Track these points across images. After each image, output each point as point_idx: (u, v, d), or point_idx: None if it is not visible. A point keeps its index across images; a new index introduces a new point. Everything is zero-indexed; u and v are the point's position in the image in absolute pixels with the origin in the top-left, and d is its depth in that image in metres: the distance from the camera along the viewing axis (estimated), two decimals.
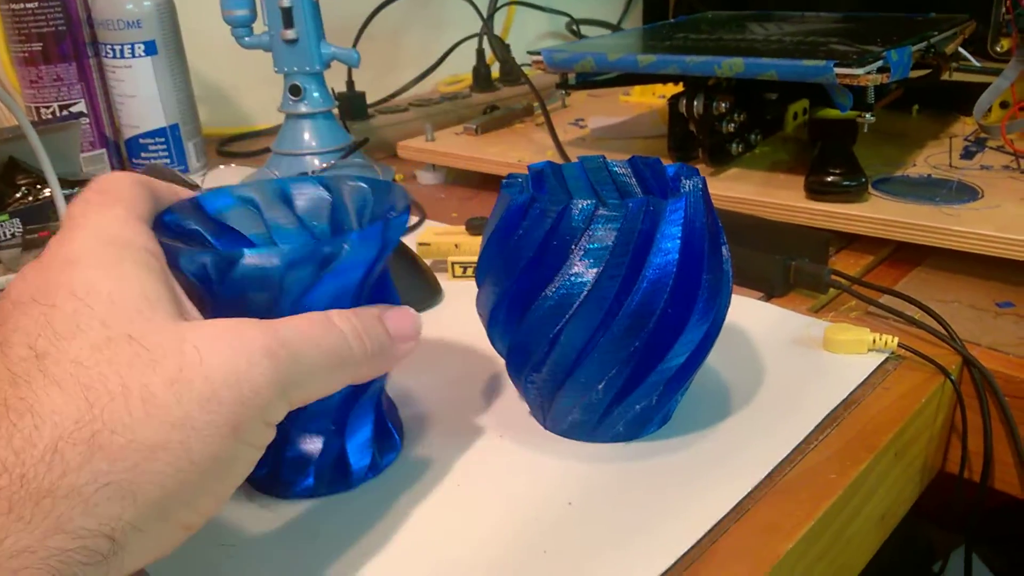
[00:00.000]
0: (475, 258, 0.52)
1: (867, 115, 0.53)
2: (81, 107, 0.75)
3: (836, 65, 0.49)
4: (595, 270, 0.31)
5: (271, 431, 0.25)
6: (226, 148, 0.91)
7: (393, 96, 0.97)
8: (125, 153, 0.80)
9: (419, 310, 0.48)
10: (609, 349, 0.31)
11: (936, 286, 0.50)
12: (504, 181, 0.35)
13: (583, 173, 0.38)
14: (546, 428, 0.36)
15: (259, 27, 0.72)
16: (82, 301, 0.23)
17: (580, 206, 0.30)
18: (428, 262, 0.53)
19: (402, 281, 0.48)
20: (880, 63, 0.50)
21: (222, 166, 0.77)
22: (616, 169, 0.38)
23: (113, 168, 0.78)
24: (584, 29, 1.25)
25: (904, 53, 0.53)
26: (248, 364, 0.24)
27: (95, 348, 0.22)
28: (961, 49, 0.70)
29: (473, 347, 0.44)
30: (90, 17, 0.75)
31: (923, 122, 0.74)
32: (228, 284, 0.29)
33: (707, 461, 0.34)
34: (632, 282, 0.30)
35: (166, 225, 0.31)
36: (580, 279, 0.31)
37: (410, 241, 0.54)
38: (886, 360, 0.41)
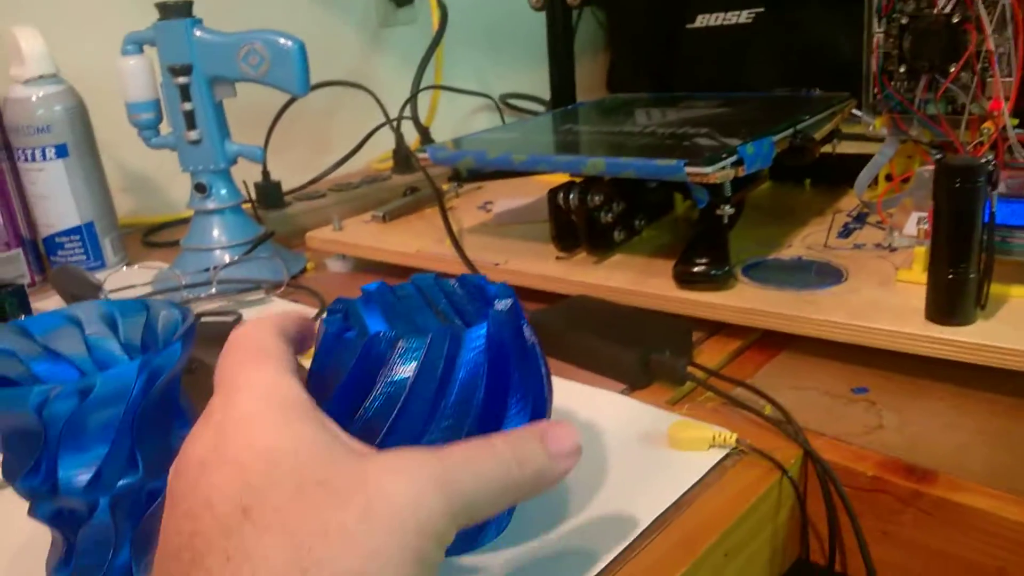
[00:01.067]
0: None
1: (726, 207, 0.55)
2: None
3: (687, 164, 0.51)
4: (403, 394, 0.32)
5: (443, 551, 0.27)
6: (150, 238, 0.93)
7: (313, 182, 0.99)
8: (43, 251, 0.81)
9: None
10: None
11: (796, 372, 0.51)
12: (328, 307, 0.36)
13: (417, 291, 0.40)
14: None
15: (166, 127, 0.74)
16: (269, 459, 0.26)
17: (381, 336, 0.32)
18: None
19: None
20: (734, 158, 0.53)
21: (125, 267, 0.78)
22: (448, 287, 0.40)
23: (29, 265, 0.79)
24: (518, 103, 1.29)
25: (763, 144, 0.56)
26: (423, 494, 0.26)
27: (292, 497, 0.25)
28: (858, 112, 0.72)
29: None
30: (2, 122, 0.76)
31: (814, 196, 0.76)
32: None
33: (526, 565, 0.35)
34: (437, 407, 0.32)
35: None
36: (392, 395, 0.32)
37: None
38: (726, 456, 0.42)
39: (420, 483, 0.26)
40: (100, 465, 0.33)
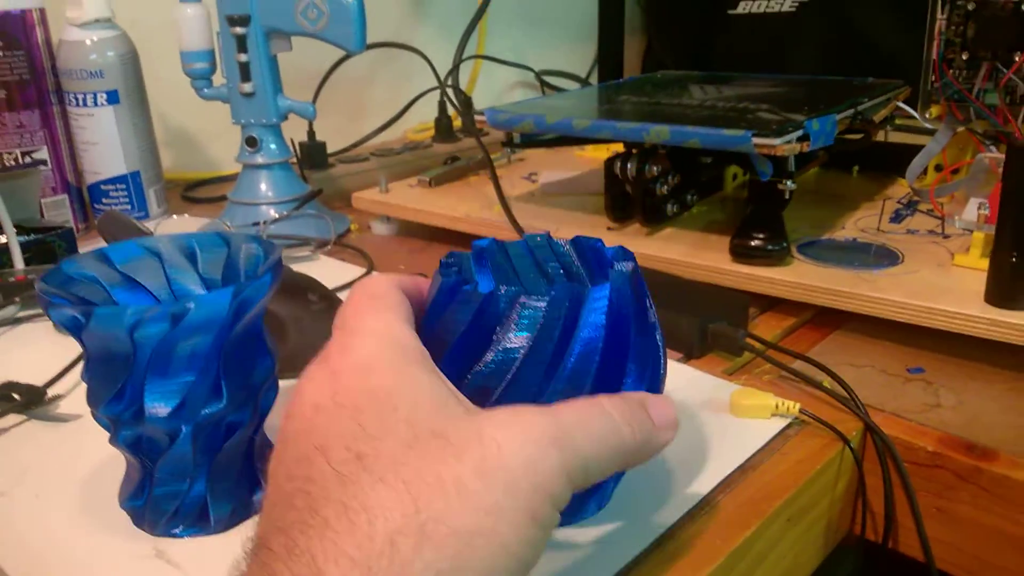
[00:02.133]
0: None
1: (788, 182, 0.55)
2: (43, 154, 0.77)
3: (754, 135, 0.51)
4: (520, 353, 0.31)
5: (558, 515, 0.26)
6: (190, 193, 0.93)
7: (356, 145, 0.99)
8: (87, 198, 0.82)
9: None
10: None
11: (852, 350, 0.51)
12: (442, 260, 0.35)
13: (528, 251, 0.39)
14: None
15: (220, 78, 0.74)
16: (385, 405, 0.26)
17: (503, 292, 0.31)
18: None
19: (319, 336, 0.50)
20: (800, 132, 0.53)
21: (175, 216, 0.79)
22: (560, 248, 0.39)
23: (74, 213, 0.80)
24: (553, 80, 1.28)
25: (827, 122, 0.55)
26: (539, 452, 0.25)
27: (407, 445, 0.25)
28: (905, 106, 0.72)
29: None
30: (55, 66, 0.76)
31: (861, 183, 0.76)
32: (89, 336, 0.32)
33: (601, 525, 0.35)
34: (556, 367, 0.31)
35: (63, 273, 0.34)
36: (511, 353, 0.31)
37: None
38: (788, 425, 0.43)
39: (535, 440, 0.25)
40: (186, 393, 0.33)
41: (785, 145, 0.51)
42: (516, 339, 0.31)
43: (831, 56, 1.00)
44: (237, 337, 0.34)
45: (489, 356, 0.31)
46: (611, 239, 0.61)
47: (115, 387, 0.33)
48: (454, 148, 0.96)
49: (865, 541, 0.46)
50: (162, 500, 0.35)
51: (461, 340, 0.32)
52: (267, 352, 0.37)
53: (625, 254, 0.35)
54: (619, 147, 0.78)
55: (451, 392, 0.27)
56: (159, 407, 0.33)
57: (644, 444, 0.29)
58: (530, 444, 0.25)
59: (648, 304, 0.33)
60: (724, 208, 0.68)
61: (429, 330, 0.34)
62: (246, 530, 0.35)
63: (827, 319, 0.55)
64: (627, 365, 0.32)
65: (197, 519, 0.36)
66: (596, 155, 0.88)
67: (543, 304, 0.30)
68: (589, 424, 0.27)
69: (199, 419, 0.34)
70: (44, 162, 0.77)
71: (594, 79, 1.30)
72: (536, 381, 0.31)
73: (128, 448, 0.35)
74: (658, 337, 0.34)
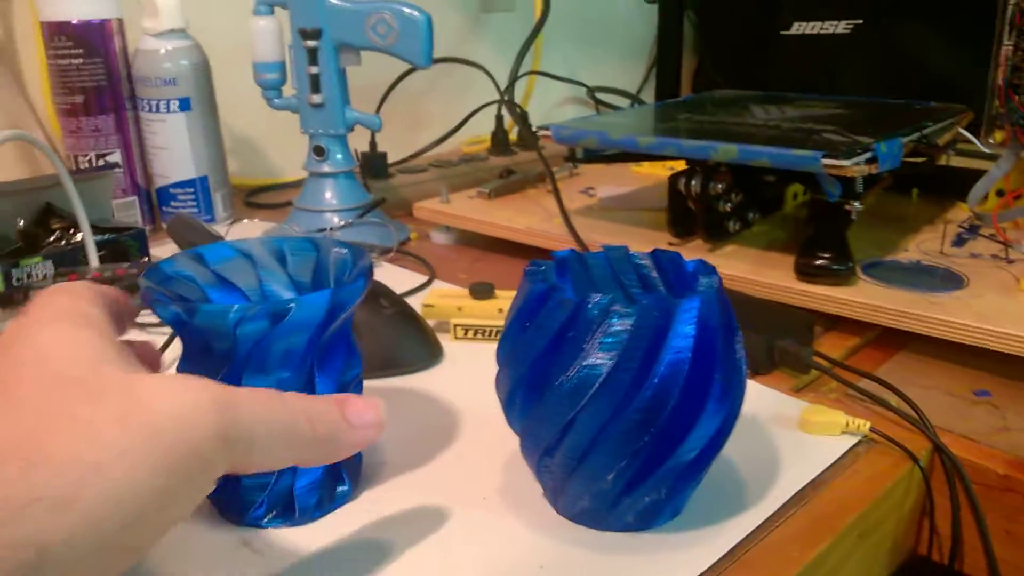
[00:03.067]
0: (477, 321, 0.55)
1: (855, 203, 0.55)
2: (116, 157, 0.80)
3: (824, 156, 0.52)
4: (609, 362, 0.32)
5: (211, 483, 0.26)
6: (253, 199, 0.95)
7: (414, 156, 1.01)
8: (156, 201, 0.84)
9: (419, 369, 0.51)
10: (620, 440, 0.32)
11: (917, 371, 0.51)
12: (527, 268, 0.36)
13: (607, 263, 0.40)
14: (558, 512, 0.37)
15: (288, 89, 0.76)
16: (42, 348, 0.26)
17: (596, 300, 0.32)
18: (432, 323, 0.56)
19: (405, 340, 0.51)
20: (869, 155, 0.53)
21: (246, 220, 0.81)
22: (639, 261, 0.40)
23: (143, 214, 0.82)
24: (604, 97, 1.29)
25: (894, 145, 0.56)
26: (195, 410, 0.25)
27: (47, 388, 0.25)
28: (966, 132, 0.72)
29: (476, 407, 0.47)
30: (130, 73, 0.79)
31: (921, 206, 0.76)
32: (191, 331, 0.34)
33: (676, 536, 0.36)
34: (645, 377, 0.32)
35: (161, 271, 0.36)
36: (594, 370, 0.32)
37: (415, 302, 0.57)
38: (858, 443, 0.43)
39: (193, 400, 0.25)
40: (280, 389, 0.34)
41: (855, 167, 0.52)
42: (605, 348, 0.32)
43: (885, 79, 1.00)
44: (330, 337, 0.35)
45: (578, 364, 0.32)
46: None
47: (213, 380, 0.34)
48: (509, 161, 0.97)
49: (930, 562, 0.46)
50: (250, 491, 0.36)
51: (550, 347, 0.33)
52: (355, 353, 0.38)
53: (707, 268, 0.36)
54: (678, 164, 0.79)
55: (121, 356, 0.27)
56: None
57: (329, 439, 0.29)
58: (187, 402, 0.25)
59: (733, 318, 0.34)
60: (785, 227, 0.69)
61: (514, 338, 0.35)
62: (331, 520, 0.37)
63: (891, 340, 0.55)
64: (713, 376, 0.32)
65: (283, 510, 0.37)
66: (652, 171, 0.89)
67: (634, 313, 0.31)
68: (262, 404, 0.27)
69: None
70: (117, 164, 0.79)
71: (645, 95, 1.31)
72: (623, 389, 0.32)
73: None
74: (740, 350, 0.34)
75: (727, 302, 0.34)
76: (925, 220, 0.71)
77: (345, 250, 0.40)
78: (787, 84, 1.05)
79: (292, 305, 0.33)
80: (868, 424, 0.43)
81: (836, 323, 0.56)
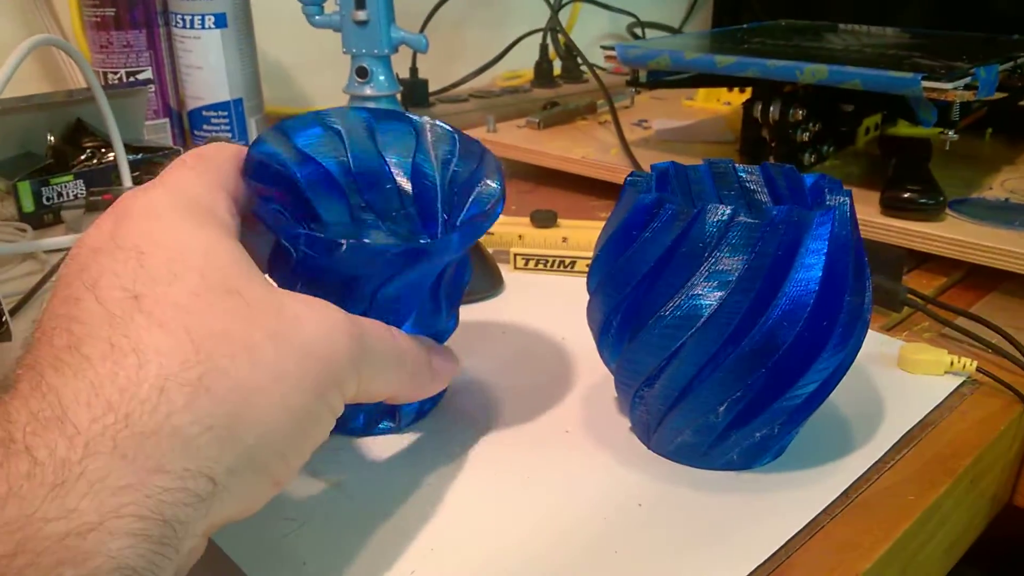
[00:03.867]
0: (539, 251, 0.52)
1: (950, 132, 0.51)
2: (148, 75, 0.76)
3: (924, 78, 0.48)
4: (727, 284, 0.28)
5: (341, 408, 0.26)
6: None
7: (454, 86, 0.96)
8: (187, 124, 0.80)
9: (481, 299, 0.48)
10: (734, 370, 0.29)
11: (1012, 312, 0.48)
12: (628, 178, 0.33)
13: (710, 178, 0.36)
14: (648, 447, 0.34)
15: (330, 6, 0.72)
16: (174, 251, 0.23)
17: (717, 212, 0.28)
18: (490, 251, 0.53)
19: None
20: (968, 79, 0.49)
21: None
22: (744, 175, 0.36)
23: (174, 138, 0.79)
24: (647, 32, 1.24)
25: (992, 71, 0.52)
26: (337, 335, 0.25)
27: (195, 295, 0.22)
28: None
29: (542, 340, 0.44)
30: None
31: (997, 146, 0.72)
32: (317, 264, 0.29)
33: (783, 476, 0.33)
34: (768, 300, 0.28)
35: (259, 162, 0.31)
36: (709, 291, 0.28)
37: None
38: (963, 384, 0.40)
39: (334, 325, 0.25)
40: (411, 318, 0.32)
41: (956, 91, 0.48)
42: (729, 262, 0.28)
43: (945, 10, 0.95)
44: (453, 267, 0.32)
45: (701, 280, 0.29)
46: None
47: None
48: (553, 94, 0.93)
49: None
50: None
51: (656, 267, 0.30)
52: (468, 263, 0.35)
53: (832, 183, 0.32)
54: (730, 96, 0.75)
55: (251, 263, 0.25)
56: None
57: (417, 382, 0.30)
58: (329, 326, 0.25)
59: (862, 241, 0.31)
60: (858, 162, 0.65)
61: (612, 258, 0.32)
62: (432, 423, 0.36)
63: (980, 279, 0.51)
64: (843, 300, 0.29)
65: (386, 415, 0.35)
66: (706, 105, 0.84)
67: (761, 226, 0.28)
68: (381, 338, 0.27)
69: (418, 332, 0.32)
70: (150, 82, 0.76)
71: (688, 31, 1.26)
72: (738, 319, 0.29)
73: None
74: (868, 275, 0.31)
75: (857, 222, 0.31)
76: (1004, 160, 0.67)
77: (448, 132, 0.35)
78: (839, 16, 1.00)
79: (446, 246, 0.29)
80: (975, 363, 0.40)
81: (922, 261, 0.53)
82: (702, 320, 0.29)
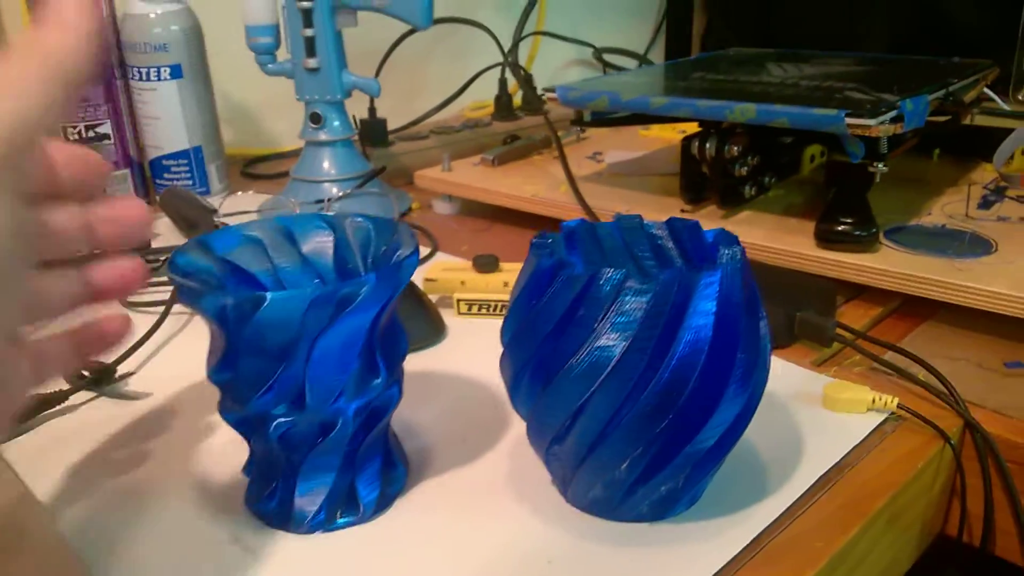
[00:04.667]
0: (482, 295, 0.52)
1: (879, 165, 0.52)
2: (106, 128, 0.77)
3: (848, 115, 0.49)
4: (623, 343, 0.29)
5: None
6: (250, 170, 0.92)
7: (415, 123, 0.97)
8: (149, 173, 0.81)
9: (422, 347, 0.49)
10: (634, 427, 0.30)
11: (944, 342, 0.49)
12: (533, 241, 0.34)
13: (619, 233, 0.37)
14: (567, 500, 0.35)
15: (283, 54, 0.73)
16: None
17: (608, 275, 0.29)
18: (433, 298, 0.53)
19: (406, 318, 0.49)
20: (894, 113, 0.50)
21: (240, 192, 0.78)
22: (653, 231, 0.37)
23: (135, 188, 0.80)
24: (610, 58, 1.25)
25: (920, 102, 0.53)
26: None
27: None
28: (988, 91, 0.69)
29: (480, 388, 0.44)
30: (119, 40, 0.76)
31: (943, 167, 0.73)
32: (250, 326, 0.30)
33: (694, 526, 0.34)
34: (661, 358, 0.29)
35: (179, 266, 0.32)
36: (606, 352, 0.29)
37: (416, 276, 0.54)
38: (885, 420, 0.41)
39: None
40: (349, 377, 0.32)
41: (880, 126, 0.49)
42: (618, 328, 0.29)
43: (904, 33, 0.97)
44: (387, 316, 0.33)
45: (589, 346, 0.29)
46: None
47: (270, 379, 0.31)
48: (514, 127, 0.94)
49: (961, 544, 0.44)
50: (309, 496, 0.34)
51: (558, 327, 0.30)
52: (402, 330, 0.35)
53: (728, 237, 0.33)
54: (690, 127, 0.75)
55: None
56: (325, 394, 0.31)
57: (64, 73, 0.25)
58: None
59: (756, 293, 0.32)
60: (802, 191, 0.66)
61: (520, 317, 0.32)
62: (396, 514, 0.35)
63: (916, 309, 0.52)
64: (735, 357, 0.30)
65: (347, 508, 0.34)
66: (662, 135, 0.85)
67: (650, 290, 0.29)
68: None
69: (360, 402, 0.32)
70: (107, 136, 0.77)
71: (653, 56, 1.28)
72: (638, 372, 0.29)
73: (278, 443, 0.32)
74: (764, 328, 0.32)
75: (751, 276, 0.31)
76: (948, 182, 0.68)
77: (364, 220, 0.36)
78: (802, 42, 1.02)
79: (365, 287, 0.30)
80: (896, 400, 0.40)
81: (859, 292, 0.54)
82: (602, 377, 0.30)
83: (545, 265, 0.31)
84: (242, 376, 0.31)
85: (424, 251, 0.64)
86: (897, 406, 0.40)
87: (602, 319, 0.29)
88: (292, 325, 0.29)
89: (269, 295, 0.29)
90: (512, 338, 0.33)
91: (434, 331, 0.50)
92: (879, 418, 0.40)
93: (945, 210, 0.61)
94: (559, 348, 0.30)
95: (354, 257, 0.37)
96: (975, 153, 0.73)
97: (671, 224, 0.36)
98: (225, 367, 0.32)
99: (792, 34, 1.03)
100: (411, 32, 0.93)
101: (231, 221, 0.68)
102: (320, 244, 0.37)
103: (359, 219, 0.37)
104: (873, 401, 0.40)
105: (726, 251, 0.31)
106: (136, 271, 0.29)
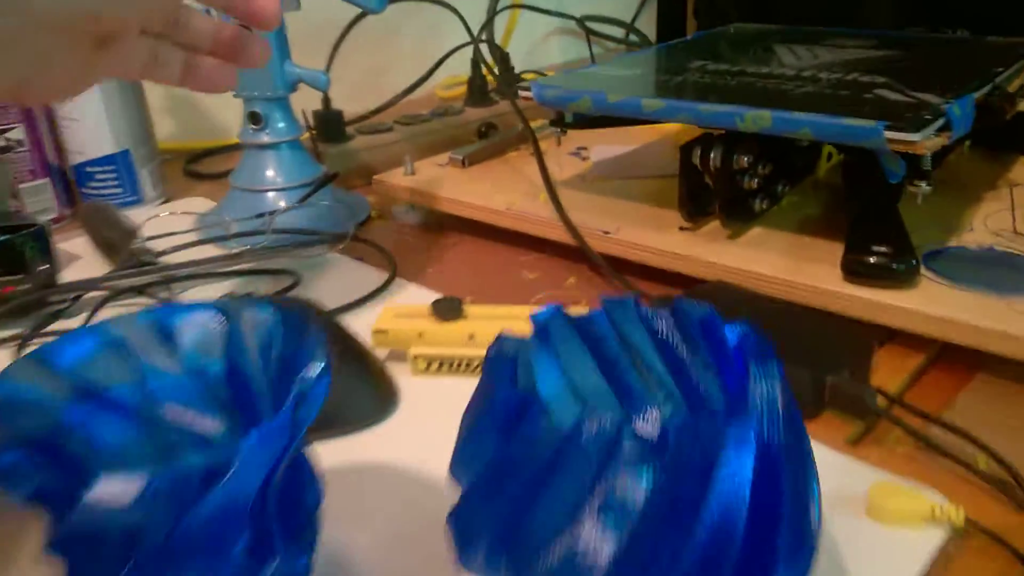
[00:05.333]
0: (441, 350, 0.43)
1: (922, 184, 0.43)
2: (19, 132, 0.67)
3: (887, 127, 0.39)
4: (626, 519, 0.21)
5: None
6: (194, 167, 0.83)
7: (377, 112, 0.87)
8: (73, 181, 0.71)
9: (368, 425, 0.40)
10: None
11: (1004, 402, 0.40)
12: (491, 349, 0.25)
13: (610, 328, 0.28)
14: None
15: None
16: None
17: (596, 424, 0.21)
18: (383, 353, 0.44)
19: (348, 391, 0.40)
20: (940, 122, 0.41)
21: (179, 200, 0.69)
22: (655, 324, 0.27)
23: (57, 199, 0.70)
24: (596, 27, 1.15)
25: (967, 103, 0.44)
26: None
27: None
28: None
29: (437, 477, 0.35)
30: None
31: (976, 163, 0.64)
32: (69, 527, 0.21)
33: None
34: (681, 543, 0.21)
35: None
36: (604, 530, 0.21)
37: (362, 326, 0.45)
38: (949, 538, 0.32)
39: None
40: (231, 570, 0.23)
41: (926, 140, 0.39)
42: (625, 489, 0.20)
43: (914, 6, 0.86)
44: (287, 469, 0.24)
45: (591, 513, 0.21)
46: (687, 243, 0.50)
47: None
48: (489, 113, 0.84)
49: None
50: None
51: (536, 482, 0.22)
52: (313, 473, 0.26)
53: (759, 347, 0.24)
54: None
55: None
56: None
57: None
58: None
59: (802, 430, 0.23)
60: (818, 197, 0.57)
61: (482, 453, 0.23)
62: None
63: (962, 355, 0.43)
64: (776, 540, 0.21)
65: None
66: (655, 125, 0.76)
67: (657, 454, 0.20)
68: None
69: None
70: (20, 143, 0.67)
71: (641, 24, 1.17)
72: (653, 551, 0.21)
73: None
74: (815, 490, 0.23)
75: (796, 417, 0.23)
76: (985, 183, 0.59)
77: (265, 313, 0.27)
78: (806, 15, 0.91)
79: (236, 462, 0.21)
80: (962, 513, 0.32)
81: (891, 335, 0.45)
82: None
83: (506, 401, 0.22)
84: (78, 572, 0.22)
85: (381, 276, 0.55)
86: (964, 520, 0.32)
87: (597, 484, 0.21)
88: (128, 524, 0.21)
89: (84, 497, 0.20)
90: (470, 482, 0.24)
91: (381, 404, 0.41)
92: (941, 535, 0.32)
93: (988, 224, 0.52)
94: (528, 525, 0.22)
95: (249, 358, 0.27)
96: (1011, 147, 0.64)
97: (677, 312, 0.27)
98: (56, 549, 0.23)
99: (797, 6, 0.93)
100: (365, 14, 0.83)
101: (154, 245, 0.58)
102: (207, 340, 0.28)
103: (261, 311, 0.27)
104: (933, 512, 0.32)
105: (762, 384, 0.22)
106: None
